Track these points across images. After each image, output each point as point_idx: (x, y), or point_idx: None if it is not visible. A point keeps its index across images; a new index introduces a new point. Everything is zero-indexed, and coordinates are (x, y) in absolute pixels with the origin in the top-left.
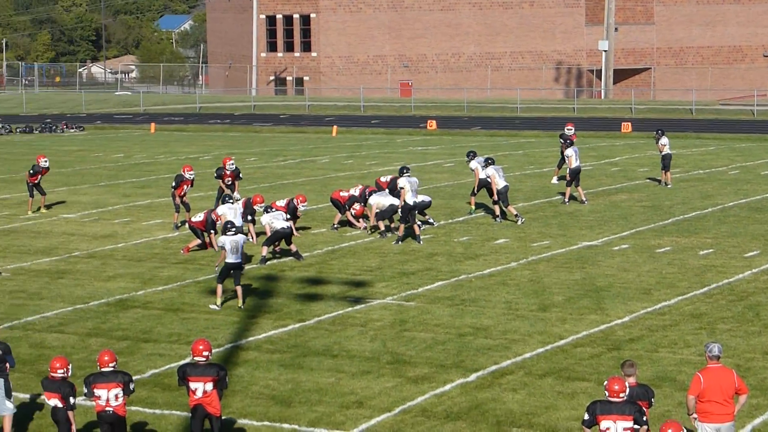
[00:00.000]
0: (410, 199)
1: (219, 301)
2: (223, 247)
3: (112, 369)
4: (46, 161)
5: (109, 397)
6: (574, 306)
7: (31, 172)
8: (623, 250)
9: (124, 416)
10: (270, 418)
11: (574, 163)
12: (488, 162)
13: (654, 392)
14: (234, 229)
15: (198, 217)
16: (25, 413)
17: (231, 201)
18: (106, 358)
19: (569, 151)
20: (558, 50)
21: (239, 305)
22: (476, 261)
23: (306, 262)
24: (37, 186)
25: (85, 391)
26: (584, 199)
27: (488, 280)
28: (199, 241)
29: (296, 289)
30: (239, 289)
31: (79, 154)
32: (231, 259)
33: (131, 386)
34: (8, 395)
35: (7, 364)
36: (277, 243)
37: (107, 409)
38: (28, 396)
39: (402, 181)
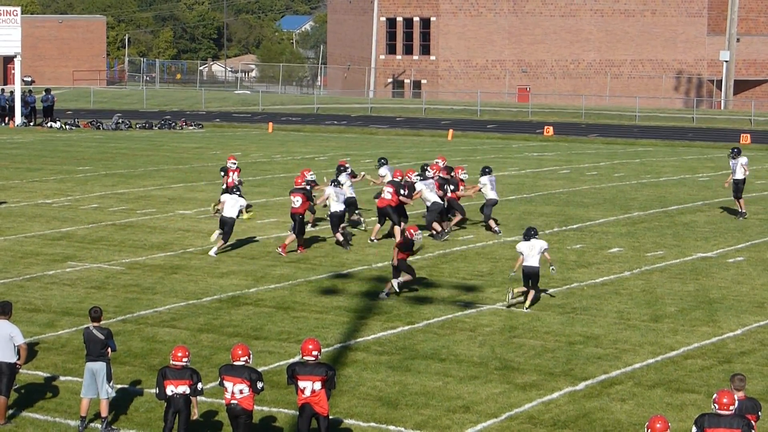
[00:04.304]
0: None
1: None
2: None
3: (243, 364)
4: (234, 163)
5: (234, 391)
6: (686, 317)
7: (222, 174)
8: (738, 263)
9: (251, 410)
10: (376, 419)
11: (739, 175)
12: (485, 171)
13: (761, 406)
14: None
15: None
16: (134, 406)
17: (336, 184)
18: (239, 352)
19: (732, 162)
20: (679, 59)
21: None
22: (589, 269)
23: (417, 266)
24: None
25: (219, 380)
26: (743, 210)
27: (600, 288)
28: (293, 237)
29: (406, 292)
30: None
31: (197, 152)
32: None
33: (259, 385)
34: (108, 379)
35: (109, 349)
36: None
37: (232, 402)
38: (138, 388)
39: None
